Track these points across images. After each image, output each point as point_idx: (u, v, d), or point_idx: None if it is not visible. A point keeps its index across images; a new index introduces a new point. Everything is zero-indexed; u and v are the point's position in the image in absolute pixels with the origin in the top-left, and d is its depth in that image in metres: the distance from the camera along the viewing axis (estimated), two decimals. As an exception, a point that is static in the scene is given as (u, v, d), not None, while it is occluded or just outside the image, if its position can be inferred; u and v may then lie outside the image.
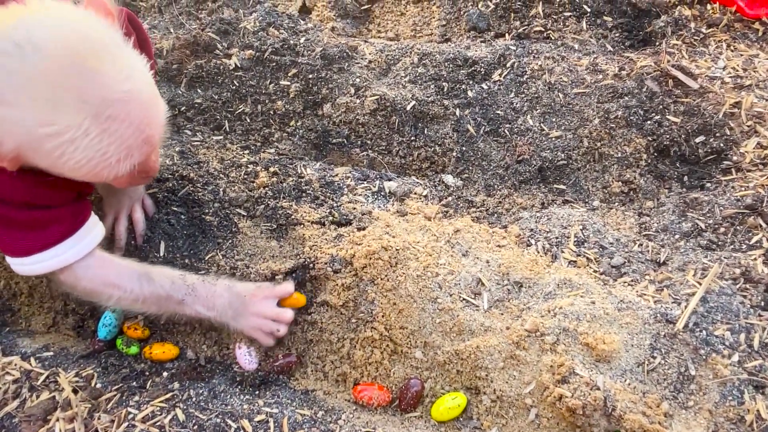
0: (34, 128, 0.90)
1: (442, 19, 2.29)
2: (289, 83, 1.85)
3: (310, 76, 1.84)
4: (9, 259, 1.18)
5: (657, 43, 1.88)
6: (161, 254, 1.36)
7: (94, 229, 1.21)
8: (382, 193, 1.60)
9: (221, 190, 1.50)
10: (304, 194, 1.55)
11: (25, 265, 1.17)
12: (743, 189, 1.43)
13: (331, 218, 1.47)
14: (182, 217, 1.43)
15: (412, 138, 1.74)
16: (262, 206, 1.49)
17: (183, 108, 1.86)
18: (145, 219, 1.42)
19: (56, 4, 0.95)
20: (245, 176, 1.58)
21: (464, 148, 1.72)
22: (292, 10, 2.39)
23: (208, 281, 1.26)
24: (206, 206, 1.46)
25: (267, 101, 1.85)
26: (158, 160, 1.15)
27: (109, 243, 1.36)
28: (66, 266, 1.18)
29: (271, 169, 1.61)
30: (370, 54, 1.96)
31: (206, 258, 1.38)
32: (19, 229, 1.14)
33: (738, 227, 1.37)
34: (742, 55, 1.76)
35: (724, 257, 1.31)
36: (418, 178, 1.70)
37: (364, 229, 1.42)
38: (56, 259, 1.17)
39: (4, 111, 0.89)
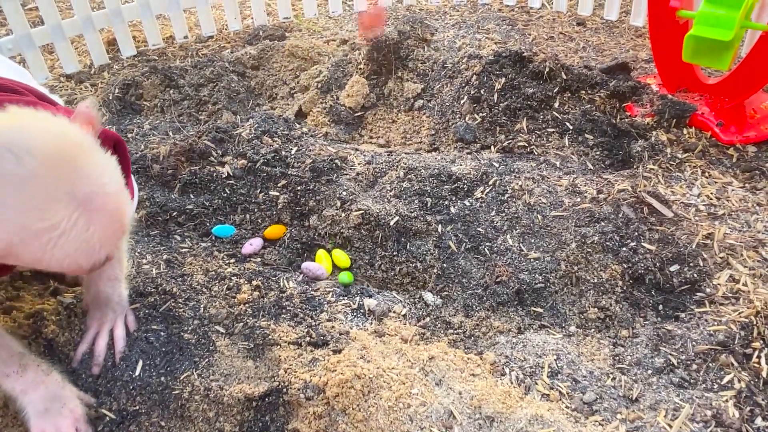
0: (28, 224, 0.98)
1: (431, 128, 2.39)
2: (278, 194, 1.91)
3: (299, 187, 1.90)
4: None
5: (635, 165, 1.95)
6: (137, 373, 1.37)
7: None
8: (362, 311, 1.61)
9: (202, 306, 1.53)
10: (284, 311, 1.57)
11: None
12: (716, 323, 1.45)
13: (308, 338, 1.49)
14: (161, 334, 1.45)
15: (395, 253, 1.78)
16: (241, 324, 1.50)
17: (174, 213, 1.91)
18: (125, 335, 1.44)
19: (39, 113, 1.06)
20: (227, 291, 1.60)
21: (445, 265, 1.75)
22: (288, 114, 2.49)
23: (42, 370, 1.26)
24: (186, 323, 1.48)
25: (256, 210, 1.90)
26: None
27: (89, 356, 1.38)
28: None
29: (254, 282, 1.64)
30: (359, 165, 2.03)
31: (181, 377, 1.39)
32: None
33: (710, 364, 1.38)
34: (716, 182, 1.82)
35: (696, 397, 1.31)
36: (398, 294, 1.73)
37: (340, 351, 1.44)
38: None
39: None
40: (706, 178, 1.84)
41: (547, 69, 2.25)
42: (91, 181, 1.02)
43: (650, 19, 2.12)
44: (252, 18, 3.12)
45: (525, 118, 2.23)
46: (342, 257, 1.76)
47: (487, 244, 1.76)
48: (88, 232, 1.02)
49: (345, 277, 1.72)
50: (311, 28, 3.07)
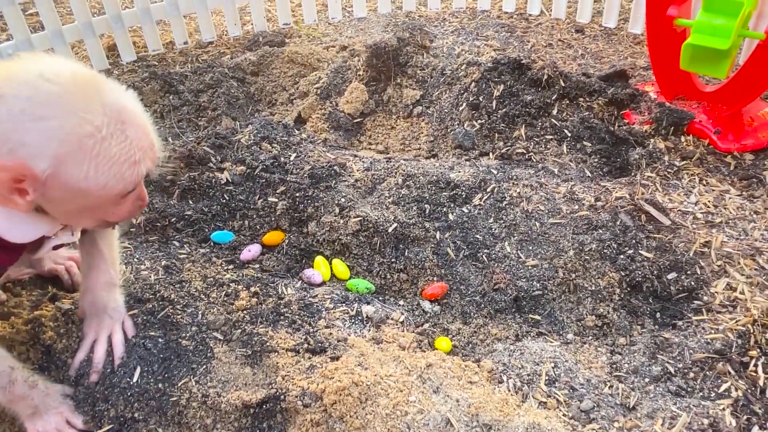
0: (72, 132, 1.02)
1: (430, 135, 2.40)
2: (276, 200, 1.91)
3: (297, 194, 1.91)
4: None
5: (633, 173, 1.96)
6: (135, 380, 1.37)
7: None
8: (360, 317, 1.62)
9: (200, 313, 1.53)
10: (282, 317, 1.57)
11: None
12: (713, 332, 1.45)
13: (306, 345, 1.49)
14: (159, 341, 1.45)
15: (393, 260, 1.78)
16: (239, 330, 1.50)
17: (173, 219, 1.91)
18: (124, 341, 1.44)
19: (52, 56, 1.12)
20: (225, 297, 1.60)
21: (443, 272, 1.75)
22: (287, 120, 2.50)
23: (29, 383, 1.29)
24: (183, 330, 1.48)
25: (255, 216, 1.91)
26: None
27: (86, 364, 1.38)
28: None
29: (253, 289, 1.64)
30: (357, 171, 2.03)
31: (179, 384, 1.39)
32: None
33: (707, 372, 1.38)
34: (713, 190, 1.83)
35: (693, 405, 1.31)
36: (396, 300, 1.73)
37: (337, 358, 1.44)
38: None
39: (42, 126, 1.00)
40: (704, 185, 1.85)
41: (545, 76, 2.26)
42: (116, 96, 1.08)
43: (648, 27, 2.13)
44: (252, 24, 3.13)
45: (523, 125, 2.24)
46: (341, 268, 1.76)
47: (485, 251, 1.77)
48: (126, 141, 1.07)
49: (362, 286, 1.72)
50: (311, 34, 3.08)
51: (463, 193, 1.91)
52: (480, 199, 1.89)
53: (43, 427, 1.31)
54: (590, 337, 1.58)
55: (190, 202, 1.95)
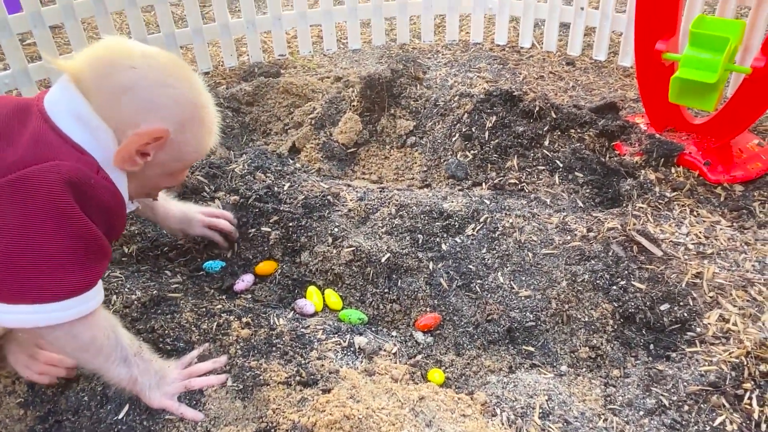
0: (192, 101, 1.17)
1: (424, 165, 2.41)
2: (269, 230, 1.91)
3: (291, 223, 1.91)
4: (30, 307, 1.09)
5: (624, 204, 1.97)
6: (121, 416, 1.35)
7: None
8: (352, 349, 1.60)
9: (191, 345, 1.51)
10: (273, 349, 1.55)
11: (51, 312, 1.10)
12: (707, 364, 1.45)
13: (298, 377, 1.47)
14: (148, 373, 1.43)
15: (386, 290, 1.77)
16: (231, 363, 1.49)
17: (166, 248, 1.91)
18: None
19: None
20: (217, 328, 1.59)
21: (436, 302, 1.75)
22: (282, 149, 2.51)
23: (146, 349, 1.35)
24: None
25: (248, 246, 1.90)
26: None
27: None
28: (82, 317, 1.14)
29: (244, 320, 1.63)
30: (351, 201, 2.04)
31: (164, 417, 1.37)
32: (87, 254, 1.12)
33: (702, 405, 1.37)
34: (704, 221, 1.84)
35: (688, 439, 1.30)
36: (389, 331, 1.72)
37: (329, 391, 1.42)
38: (88, 305, 1.15)
39: (171, 92, 1.14)
40: (695, 216, 1.86)
41: (537, 108, 2.29)
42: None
43: (637, 61, 2.17)
44: (248, 55, 3.17)
45: (516, 156, 2.25)
46: (334, 298, 1.75)
47: (479, 281, 1.76)
48: (212, 113, 1.25)
49: (355, 316, 1.71)
50: (306, 65, 3.12)
51: (456, 223, 1.92)
52: (473, 229, 1.90)
53: (174, 390, 1.36)
54: (584, 369, 1.57)
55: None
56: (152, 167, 1.21)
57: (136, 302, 1.68)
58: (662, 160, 2.08)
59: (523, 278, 1.74)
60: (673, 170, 2.05)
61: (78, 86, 1.11)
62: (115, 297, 1.70)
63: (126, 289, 1.72)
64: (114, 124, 1.11)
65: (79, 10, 2.65)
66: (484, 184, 2.24)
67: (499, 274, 1.77)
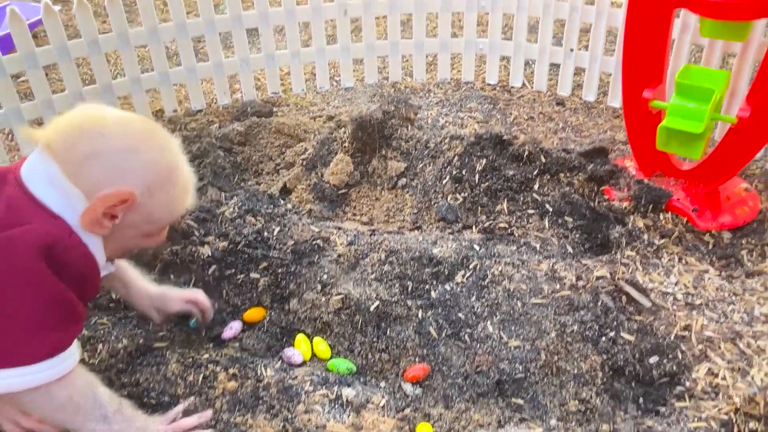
0: (162, 163, 1.20)
1: (414, 207, 2.42)
2: (258, 276, 1.90)
3: (280, 270, 1.90)
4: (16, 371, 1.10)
5: (613, 251, 1.98)
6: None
7: None
8: (339, 402, 1.58)
9: (176, 400, 1.49)
10: (260, 402, 1.54)
11: (26, 375, 1.11)
12: (696, 419, 1.44)
13: (283, 433, 1.45)
14: None
15: (374, 339, 1.76)
16: (216, 419, 1.47)
17: (153, 294, 1.90)
18: None
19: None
20: (203, 380, 1.57)
21: (425, 351, 1.74)
22: (273, 190, 2.52)
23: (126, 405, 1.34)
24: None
25: (237, 293, 1.89)
26: None
27: None
28: (58, 378, 1.15)
29: (231, 371, 1.61)
30: (341, 245, 2.04)
31: (151, 476, 1.35)
32: (60, 317, 1.14)
33: (691, 464, 1.36)
34: (693, 269, 1.85)
35: (678, 501, 1.29)
36: (377, 382, 1.70)
37: (315, 448, 1.40)
38: (64, 365, 1.15)
39: (139, 156, 1.16)
40: (684, 265, 1.86)
41: (526, 152, 2.30)
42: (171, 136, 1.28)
43: (625, 107, 2.19)
44: (241, 92, 3.19)
45: (506, 200, 2.27)
46: (322, 347, 1.74)
47: (468, 330, 1.76)
48: (186, 172, 1.28)
49: (343, 366, 1.69)
50: (299, 103, 3.14)
51: (445, 270, 1.92)
52: (462, 276, 1.89)
53: None
54: (573, 423, 1.56)
55: (172, 276, 1.94)
56: (125, 229, 1.22)
57: (122, 351, 1.67)
58: (651, 206, 2.09)
59: (513, 328, 1.74)
60: (661, 216, 2.06)
61: (51, 153, 1.13)
62: (101, 345, 1.68)
63: (112, 337, 1.70)
64: (84, 188, 1.13)
65: (74, 51, 2.67)
66: (474, 227, 2.25)
67: (489, 323, 1.76)
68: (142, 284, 1.71)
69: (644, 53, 2.04)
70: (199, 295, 1.76)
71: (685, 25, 2.55)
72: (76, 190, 1.13)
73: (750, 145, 1.97)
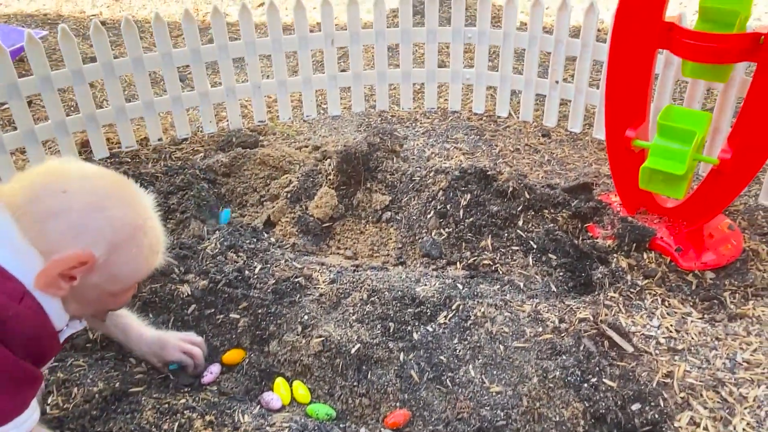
0: (127, 222, 1.17)
1: (399, 241, 2.40)
2: (238, 316, 1.88)
3: (260, 310, 1.88)
4: None
5: (596, 292, 1.97)
6: None
7: None
8: (318, 451, 1.56)
9: (149, 451, 1.46)
10: (236, 451, 1.51)
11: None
12: (678, 472, 1.42)
13: (259, 486, 1.42)
14: (102, 483, 1.38)
15: (355, 383, 1.73)
16: (189, 470, 1.44)
17: (131, 334, 1.86)
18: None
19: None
20: (179, 429, 1.54)
21: (407, 396, 1.71)
22: (257, 222, 2.50)
23: None
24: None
25: (216, 333, 1.86)
26: None
27: None
28: None
29: (208, 417, 1.58)
30: (323, 283, 2.02)
31: None
32: (11, 384, 1.12)
33: None
34: (676, 312, 1.84)
35: None
36: (357, 428, 1.67)
37: (291, 502, 1.37)
38: (21, 428, 1.13)
39: (103, 214, 1.13)
40: (666, 307, 1.86)
41: (510, 188, 2.30)
42: (142, 194, 1.25)
43: (608, 145, 2.20)
44: (227, 121, 3.18)
45: (490, 236, 2.26)
46: (302, 391, 1.72)
47: (450, 374, 1.73)
48: (155, 231, 1.24)
49: (323, 412, 1.66)
50: (285, 131, 3.13)
51: (428, 310, 1.90)
52: (445, 317, 1.88)
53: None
54: (555, 473, 1.54)
55: (150, 315, 1.91)
56: (87, 290, 1.18)
57: (97, 396, 1.63)
58: (634, 245, 2.09)
59: (495, 372, 1.72)
60: (645, 255, 2.06)
61: (11, 210, 1.10)
62: (76, 389, 1.65)
63: (88, 380, 1.67)
64: (43, 248, 1.10)
65: (57, 81, 2.65)
66: (458, 263, 2.23)
67: (471, 366, 1.74)
68: (140, 330, 1.71)
69: (627, 92, 2.05)
70: (195, 349, 1.75)
71: (668, 62, 2.56)
72: (33, 250, 1.09)
73: (732, 185, 1.98)
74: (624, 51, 2.00)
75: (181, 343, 1.74)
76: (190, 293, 1.92)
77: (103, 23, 4.73)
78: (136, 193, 1.23)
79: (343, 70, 3.21)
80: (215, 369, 1.78)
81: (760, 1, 4.45)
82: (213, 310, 1.90)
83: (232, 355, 1.82)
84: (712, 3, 1.88)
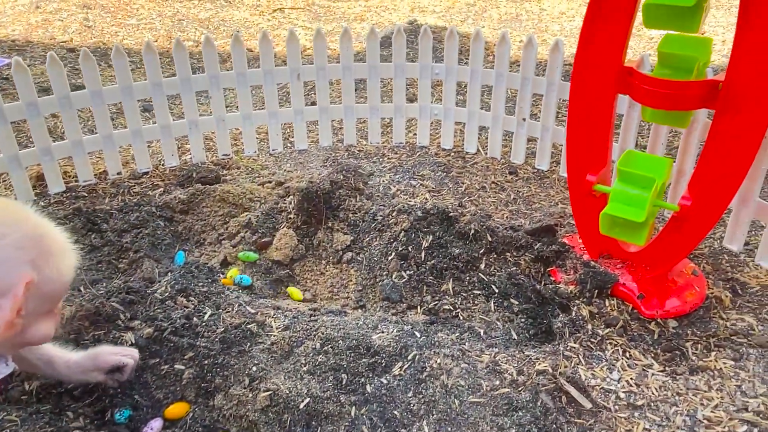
0: (33, 237, 1.20)
1: (359, 284, 2.34)
2: (183, 367, 1.79)
3: (206, 361, 1.79)
4: None
5: (557, 341, 1.91)
6: None
7: None
8: None
9: None
10: None
11: None
12: None
13: None
14: None
15: (303, 441, 1.65)
16: None
17: (70, 386, 1.77)
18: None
19: None
20: (108, 495, 1.44)
21: (357, 454, 1.63)
22: (214, 263, 2.41)
23: None
24: None
25: (160, 385, 1.77)
26: None
27: None
28: None
29: (143, 481, 1.49)
30: (276, 330, 1.94)
31: None
32: None
33: None
34: (636, 365, 1.79)
35: None
36: (304, 489, 1.59)
37: None
38: None
39: (6, 242, 1.15)
40: (627, 359, 1.81)
41: (472, 231, 2.25)
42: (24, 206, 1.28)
43: (570, 188, 2.17)
44: (191, 154, 3.11)
45: (451, 279, 2.20)
46: None
47: (403, 430, 1.66)
48: (54, 229, 1.28)
49: None
50: (250, 165, 3.07)
51: (383, 360, 1.83)
52: (400, 368, 1.81)
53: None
54: None
55: (91, 364, 1.81)
56: (25, 318, 1.20)
57: (29, 452, 1.53)
58: (596, 291, 2.04)
59: (449, 429, 1.64)
60: (607, 302, 2.01)
61: None
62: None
63: (19, 438, 1.57)
64: None
65: (10, 114, 2.57)
66: (419, 307, 2.17)
67: (425, 422, 1.67)
68: (65, 357, 1.66)
69: (588, 136, 2.03)
70: (131, 350, 1.76)
71: (632, 103, 2.56)
72: None
73: (695, 232, 1.95)
74: (584, 95, 1.98)
75: (115, 348, 1.74)
76: (134, 341, 1.83)
77: (71, 50, 4.66)
78: (21, 207, 1.25)
79: (313, 103, 3.17)
80: (156, 424, 1.68)
81: (716, 48, 4.53)
82: (157, 360, 1.81)
83: (176, 409, 1.73)
84: (670, 48, 1.87)
